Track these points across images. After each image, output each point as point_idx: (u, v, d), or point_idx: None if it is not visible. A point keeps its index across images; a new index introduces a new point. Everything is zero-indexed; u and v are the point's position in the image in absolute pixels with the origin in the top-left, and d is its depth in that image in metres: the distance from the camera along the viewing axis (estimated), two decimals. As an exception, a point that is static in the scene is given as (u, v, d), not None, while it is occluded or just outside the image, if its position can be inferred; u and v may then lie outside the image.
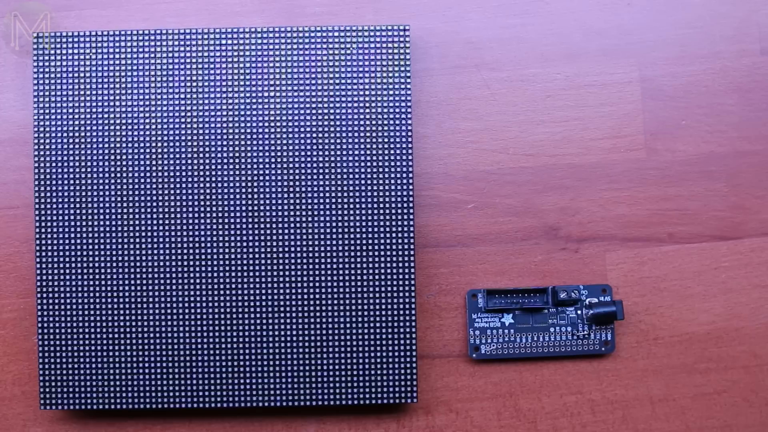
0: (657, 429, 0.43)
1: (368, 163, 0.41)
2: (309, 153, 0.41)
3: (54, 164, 0.40)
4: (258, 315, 0.41)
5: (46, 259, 0.40)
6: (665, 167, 0.44)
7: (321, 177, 0.41)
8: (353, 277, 0.41)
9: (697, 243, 0.44)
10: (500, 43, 0.43)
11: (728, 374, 0.43)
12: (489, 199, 0.43)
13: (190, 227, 0.41)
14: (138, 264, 0.40)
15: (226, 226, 0.41)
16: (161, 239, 0.40)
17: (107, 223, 0.40)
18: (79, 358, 0.40)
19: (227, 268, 0.41)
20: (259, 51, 0.41)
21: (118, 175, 0.41)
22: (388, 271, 0.41)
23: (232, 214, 0.41)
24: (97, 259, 0.40)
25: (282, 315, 0.41)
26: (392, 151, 0.41)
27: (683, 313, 0.43)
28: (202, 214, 0.41)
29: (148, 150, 0.41)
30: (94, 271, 0.40)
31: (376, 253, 0.41)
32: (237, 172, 0.41)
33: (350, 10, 0.43)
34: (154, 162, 0.41)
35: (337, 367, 0.41)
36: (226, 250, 0.41)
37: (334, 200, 0.41)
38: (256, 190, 0.41)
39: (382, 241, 0.41)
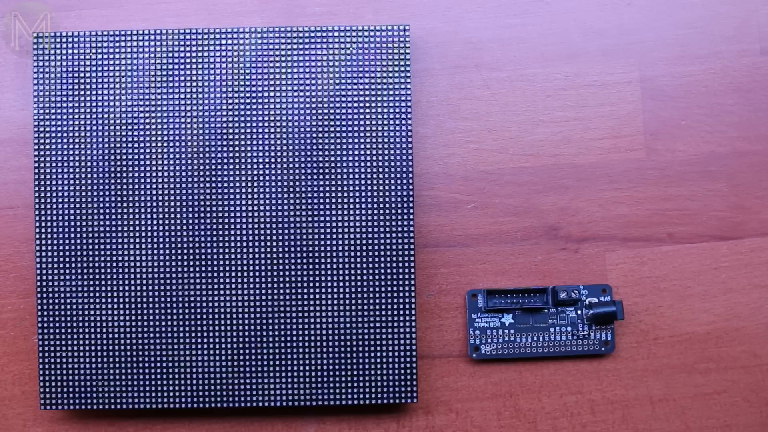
0: (657, 429, 0.43)
1: (368, 163, 0.41)
2: (309, 153, 0.41)
3: (54, 164, 0.40)
4: (258, 315, 0.41)
5: (46, 259, 0.40)
6: (665, 167, 0.44)
7: (321, 177, 0.41)
8: (353, 277, 0.41)
9: (697, 243, 0.44)
10: (500, 43, 0.43)
11: (728, 374, 0.43)
12: (489, 199, 0.43)
13: (190, 227, 0.41)
14: (138, 264, 0.40)
15: (226, 226, 0.41)
16: (161, 239, 0.40)
17: (107, 223, 0.40)
18: (79, 358, 0.40)
19: (227, 268, 0.41)
20: (259, 51, 0.41)
21: (118, 175, 0.41)
22: (388, 271, 0.41)
23: (232, 214, 0.41)
24: (97, 259, 0.40)
25: (282, 315, 0.41)
26: (392, 151, 0.41)
27: (683, 313, 0.43)
28: (202, 215, 0.41)
29: (148, 150, 0.41)
30: (94, 271, 0.40)
31: (376, 253, 0.41)
32: (237, 172, 0.41)
33: (350, 10, 0.43)
34: (154, 162, 0.41)
35: (337, 367, 0.41)
36: (226, 250, 0.41)
37: (334, 200, 0.41)
38: (256, 190, 0.41)
39: (382, 241, 0.41)
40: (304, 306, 0.41)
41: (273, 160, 0.41)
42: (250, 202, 0.41)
